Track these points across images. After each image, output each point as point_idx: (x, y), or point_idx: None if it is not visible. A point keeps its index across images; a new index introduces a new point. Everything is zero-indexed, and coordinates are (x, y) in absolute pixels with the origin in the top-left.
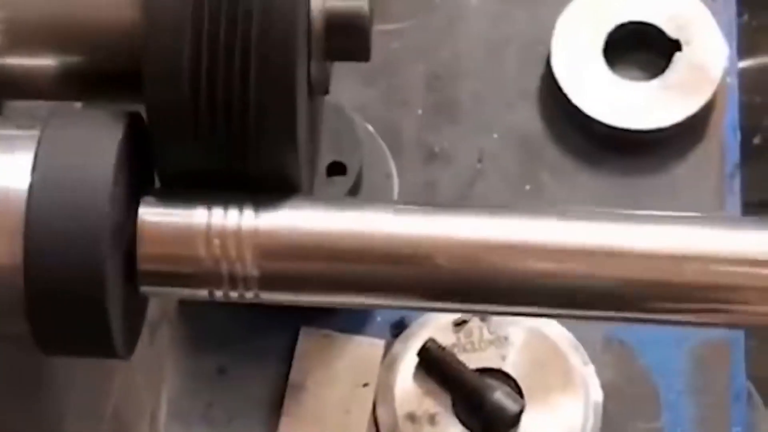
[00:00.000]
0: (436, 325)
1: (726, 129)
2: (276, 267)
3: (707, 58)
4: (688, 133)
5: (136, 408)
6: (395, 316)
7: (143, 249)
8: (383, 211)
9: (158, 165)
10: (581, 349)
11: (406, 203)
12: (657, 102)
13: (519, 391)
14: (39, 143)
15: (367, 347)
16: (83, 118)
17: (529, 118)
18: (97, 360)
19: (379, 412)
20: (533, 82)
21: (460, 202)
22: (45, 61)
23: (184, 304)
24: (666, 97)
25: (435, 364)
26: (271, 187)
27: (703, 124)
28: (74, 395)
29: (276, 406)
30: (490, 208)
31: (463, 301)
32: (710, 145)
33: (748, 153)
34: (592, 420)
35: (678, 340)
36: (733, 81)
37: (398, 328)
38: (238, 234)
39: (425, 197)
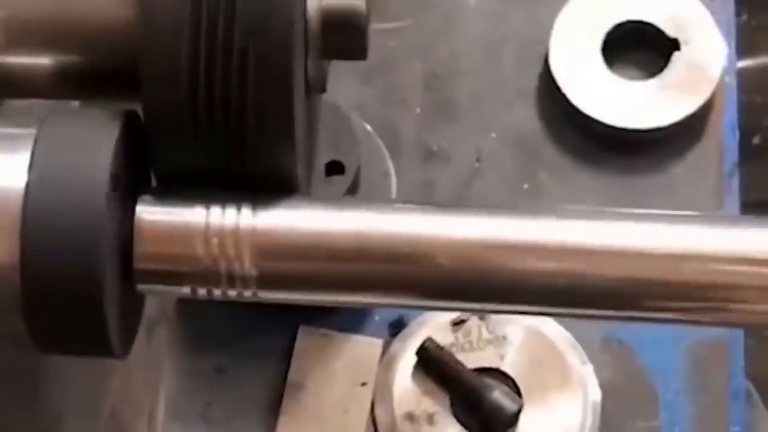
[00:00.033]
0: (434, 325)
1: (725, 128)
2: (274, 266)
3: (706, 58)
4: (686, 133)
5: (134, 407)
6: (393, 315)
7: (140, 247)
8: (381, 211)
9: (155, 164)
10: (579, 348)
11: (404, 202)
12: (655, 101)
13: (517, 391)
14: (36, 142)
15: (365, 346)
16: (80, 117)
17: (527, 117)
18: (95, 359)
19: (378, 411)
20: (531, 82)
21: (458, 201)
22: (43, 60)
23: (182, 304)
24: (664, 96)
25: (433, 364)
26: (269, 186)
27: (702, 124)
28: (72, 395)
29: (274, 405)
30: (488, 207)
31: (461, 299)
32: (709, 145)
33: (747, 153)
34: (591, 419)
35: (676, 339)
36: (731, 80)
37: (396, 328)
38: (236, 233)
39: (423, 196)
